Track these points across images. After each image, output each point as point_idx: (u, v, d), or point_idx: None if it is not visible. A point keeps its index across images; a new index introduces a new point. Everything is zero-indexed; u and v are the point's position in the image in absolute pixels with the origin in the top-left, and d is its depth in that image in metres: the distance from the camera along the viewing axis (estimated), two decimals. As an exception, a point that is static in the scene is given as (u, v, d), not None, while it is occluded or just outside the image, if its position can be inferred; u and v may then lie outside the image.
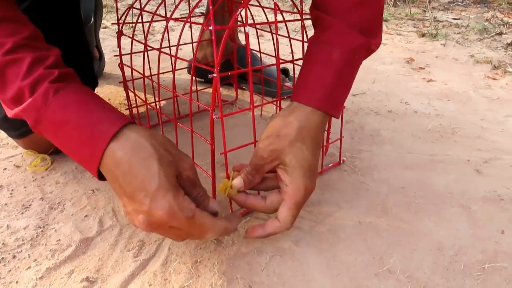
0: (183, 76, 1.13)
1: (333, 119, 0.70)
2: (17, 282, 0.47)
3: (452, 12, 2.31)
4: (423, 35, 1.71)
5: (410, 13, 2.19)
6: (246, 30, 0.54)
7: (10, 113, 0.45)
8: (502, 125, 0.91)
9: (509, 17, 2.14)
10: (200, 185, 0.46)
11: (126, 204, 0.42)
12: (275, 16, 0.58)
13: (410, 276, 0.49)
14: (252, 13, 0.75)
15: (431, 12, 2.24)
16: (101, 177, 0.43)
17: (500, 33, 1.75)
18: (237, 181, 0.49)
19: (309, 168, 0.47)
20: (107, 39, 1.48)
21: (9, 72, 0.42)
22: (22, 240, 0.53)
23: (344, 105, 0.65)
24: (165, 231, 0.43)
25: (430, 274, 0.49)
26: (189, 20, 0.55)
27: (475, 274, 0.50)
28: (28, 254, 0.50)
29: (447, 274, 0.50)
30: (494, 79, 1.22)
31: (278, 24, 0.57)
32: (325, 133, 0.70)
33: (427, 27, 1.89)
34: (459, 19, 2.10)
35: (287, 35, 0.68)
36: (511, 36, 1.73)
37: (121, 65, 0.74)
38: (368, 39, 0.51)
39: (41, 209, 0.59)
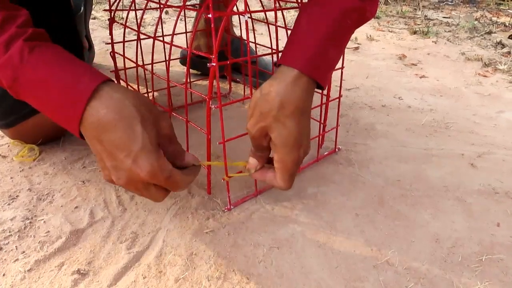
0: (175, 68, 1.11)
1: (328, 111, 0.70)
2: (4, 274, 0.45)
3: (442, 11, 2.33)
4: (415, 33, 1.72)
5: (402, 11, 2.21)
6: (246, 18, 0.53)
7: None
8: (494, 121, 0.92)
9: (497, 17, 2.17)
10: (176, 141, 0.47)
11: (104, 159, 0.42)
12: (274, 4, 0.57)
13: (408, 268, 0.49)
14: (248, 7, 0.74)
15: (422, 10, 2.26)
16: (81, 135, 0.43)
17: (490, 32, 1.77)
18: (251, 161, 0.52)
19: (294, 143, 0.47)
20: (96, 30, 1.45)
21: None
22: (9, 232, 0.50)
23: (341, 94, 0.63)
24: (140, 191, 0.44)
25: (428, 266, 0.49)
26: (184, 7, 0.53)
27: (472, 265, 0.50)
28: (16, 246, 0.48)
29: (445, 265, 0.49)
30: (485, 76, 1.23)
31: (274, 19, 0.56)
32: (321, 125, 0.69)
33: (418, 25, 1.90)
34: (449, 17, 2.12)
35: (283, 26, 0.66)
36: (500, 35, 1.75)
37: (113, 54, 0.72)
38: (364, 4, 0.48)
39: (29, 200, 0.56)
